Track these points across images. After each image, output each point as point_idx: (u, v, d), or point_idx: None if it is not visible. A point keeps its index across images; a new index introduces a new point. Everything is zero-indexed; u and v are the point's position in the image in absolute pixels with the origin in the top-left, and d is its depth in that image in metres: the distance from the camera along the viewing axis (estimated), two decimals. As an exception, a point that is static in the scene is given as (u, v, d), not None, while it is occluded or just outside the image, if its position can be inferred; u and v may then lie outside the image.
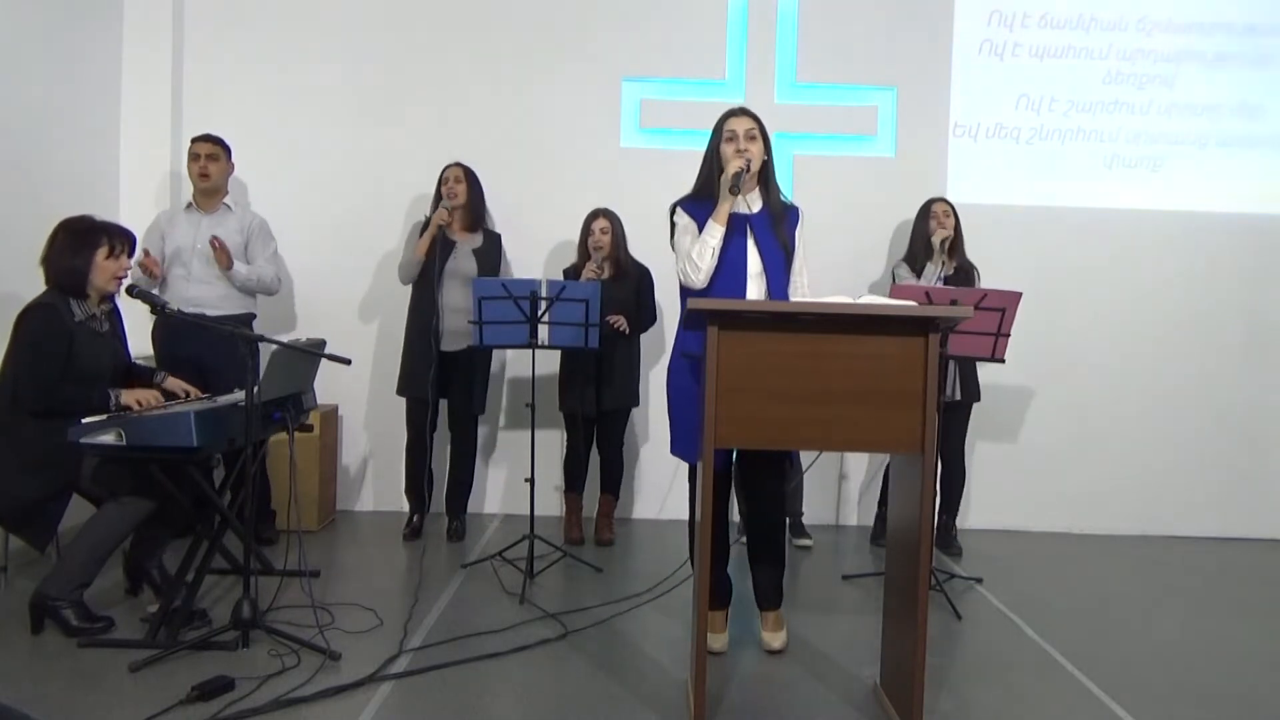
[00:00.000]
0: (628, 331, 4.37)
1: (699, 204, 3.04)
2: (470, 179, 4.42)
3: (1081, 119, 5.06)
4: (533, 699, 2.78)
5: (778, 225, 3.04)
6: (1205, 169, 5.07)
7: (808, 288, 3.15)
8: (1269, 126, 5.07)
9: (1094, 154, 5.07)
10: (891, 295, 3.69)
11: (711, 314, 2.47)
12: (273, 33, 4.93)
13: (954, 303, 3.60)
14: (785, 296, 3.02)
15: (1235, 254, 5.06)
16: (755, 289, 3.01)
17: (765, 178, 3.06)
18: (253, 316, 4.32)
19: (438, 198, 4.39)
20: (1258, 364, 5.08)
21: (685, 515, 4.89)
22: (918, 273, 4.41)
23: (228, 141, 4.30)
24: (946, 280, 4.30)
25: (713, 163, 3.04)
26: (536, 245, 4.94)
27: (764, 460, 3.11)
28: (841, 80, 4.98)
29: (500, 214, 4.70)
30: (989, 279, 4.44)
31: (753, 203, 3.05)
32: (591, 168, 4.96)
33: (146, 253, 4.06)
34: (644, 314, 4.54)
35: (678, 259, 3.05)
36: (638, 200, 4.84)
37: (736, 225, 2.99)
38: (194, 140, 4.26)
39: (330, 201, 4.94)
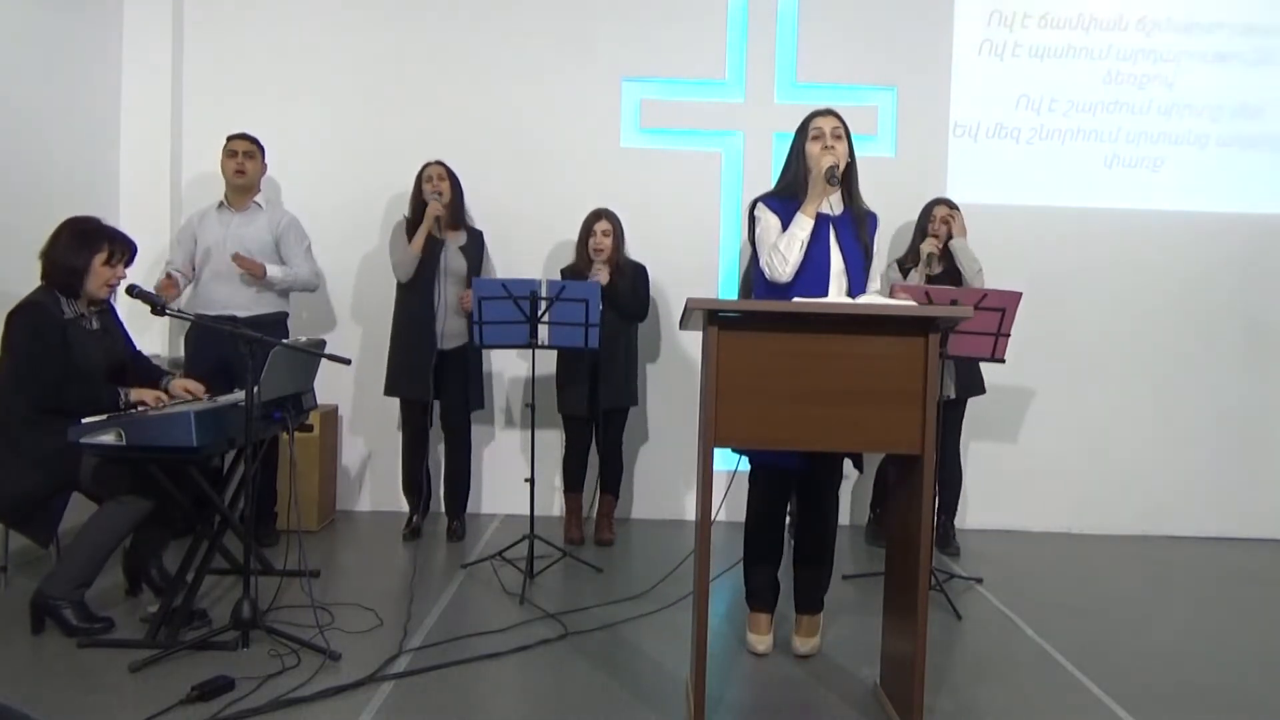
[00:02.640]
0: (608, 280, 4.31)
1: (783, 202, 3.05)
2: (452, 177, 4.42)
3: (1081, 119, 5.06)
4: (533, 699, 2.78)
5: (860, 228, 3.06)
6: (1205, 169, 5.07)
7: (876, 292, 3.13)
8: (1269, 126, 5.07)
9: (1094, 154, 5.07)
10: (892, 295, 3.70)
11: (711, 314, 2.47)
12: (272, 33, 4.94)
13: (954, 303, 3.60)
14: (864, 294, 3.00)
15: (1235, 254, 5.06)
16: (836, 288, 3.01)
17: (848, 181, 3.08)
18: (285, 315, 4.32)
19: (416, 195, 4.38)
20: (1258, 364, 5.09)
21: (685, 515, 4.96)
22: (905, 275, 4.41)
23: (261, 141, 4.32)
24: (934, 280, 4.31)
25: (798, 162, 3.06)
26: (536, 245, 4.94)
27: (822, 464, 3.08)
28: (841, 80, 4.98)
29: (499, 213, 4.70)
30: (989, 279, 4.44)
31: (835, 204, 3.06)
32: (591, 168, 4.96)
33: (169, 276, 4.10)
34: (636, 302, 4.50)
35: (761, 252, 3.04)
36: (638, 200, 4.85)
37: (819, 225, 3.00)
38: (230, 138, 4.27)
39: (331, 202, 4.94)
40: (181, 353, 4.46)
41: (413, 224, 4.33)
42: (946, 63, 5.03)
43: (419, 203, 4.35)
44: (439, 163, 4.43)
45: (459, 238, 4.42)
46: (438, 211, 4.27)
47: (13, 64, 3.99)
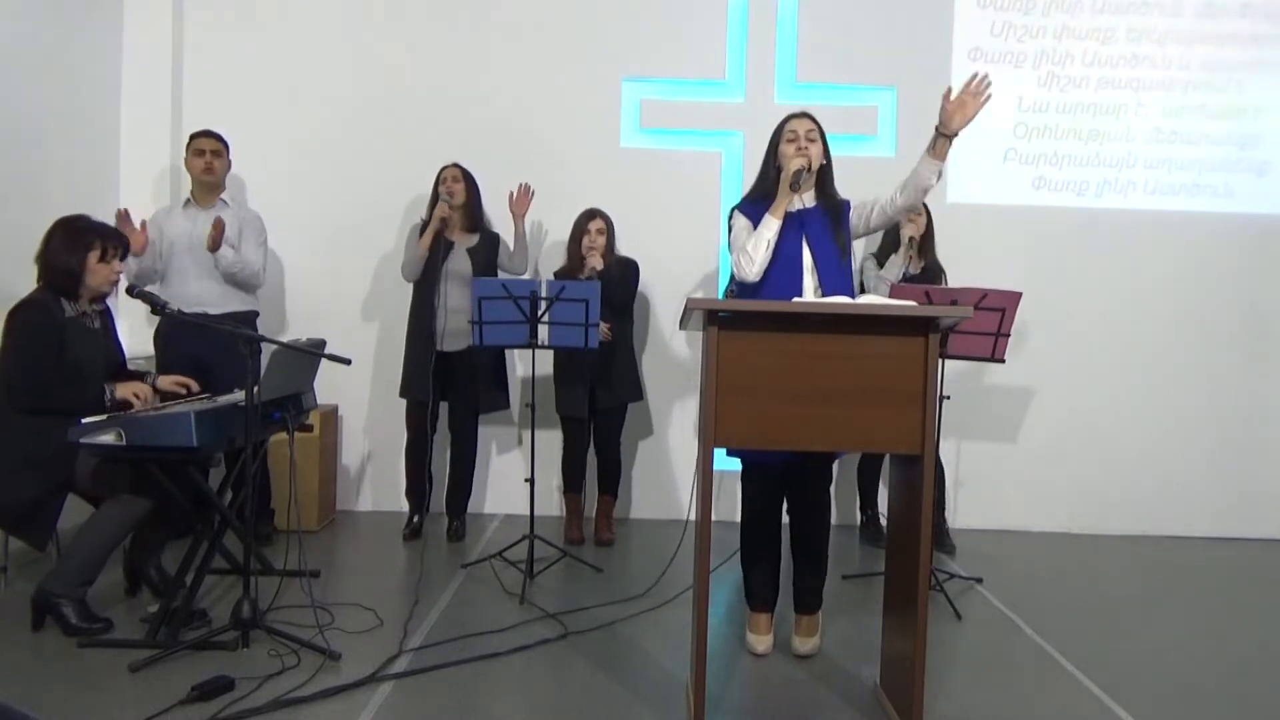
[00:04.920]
0: (610, 338, 4.33)
1: (755, 206, 3.09)
2: (467, 179, 4.43)
3: (1081, 119, 5.06)
4: (533, 699, 2.78)
5: (834, 223, 3.06)
6: (1205, 169, 5.07)
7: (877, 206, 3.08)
8: (1269, 126, 5.07)
9: (1093, 154, 5.06)
10: (891, 295, 3.70)
11: (711, 314, 2.47)
12: (273, 32, 4.94)
13: (954, 303, 3.61)
14: (839, 291, 2.98)
15: (1235, 254, 5.06)
16: (810, 282, 3.02)
17: (823, 180, 3.10)
18: (256, 315, 4.32)
19: (434, 198, 4.40)
20: (1258, 364, 5.08)
21: (685, 515, 4.95)
22: (881, 266, 4.41)
23: (226, 139, 4.31)
24: (912, 278, 4.31)
25: (771, 164, 3.09)
26: (535, 245, 4.94)
27: (811, 462, 3.10)
28: (841, 80, 4.98)
29: (500, 214, 4.69)
30: (989, 280, 4.42)
31: (807, 200, 3.08)
32: (591, 168, 4.96)
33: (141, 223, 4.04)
34: (624, 291, 4.48)
35: (732, 253, 3.08)
36: (638, 200, 4.86)
37: (790, 221, 3.02)
38: (195, 136, 4.26)
39: (329, 201, 4.95)
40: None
41: (428, 225, 4.34)
42: (946, 63, 5.03)
43: (435, 204, 4.36)
44: (455, 165, 4.44)
45: (469, 240, 4.43)
46: (443, 214, 4.28)
47: (13, 64, 3.99)
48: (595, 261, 4.29)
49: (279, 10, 4.95)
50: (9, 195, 3.92)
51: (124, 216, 3.98)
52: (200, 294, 4.13)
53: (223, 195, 4.30)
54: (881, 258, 4.50)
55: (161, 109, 4.82)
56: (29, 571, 3.54)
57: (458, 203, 4.35)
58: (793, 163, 2.98)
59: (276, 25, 4.94)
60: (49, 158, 4.23)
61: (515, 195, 4.48)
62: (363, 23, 4.97)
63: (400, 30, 4.97)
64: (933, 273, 4.47)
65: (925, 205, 4.51)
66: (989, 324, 3.76)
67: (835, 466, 3.30)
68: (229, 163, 4.33)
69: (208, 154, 4.21)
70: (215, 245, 4.06)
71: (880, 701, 2.77)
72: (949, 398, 4.52)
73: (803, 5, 5.00)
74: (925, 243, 4.44)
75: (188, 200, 4.29)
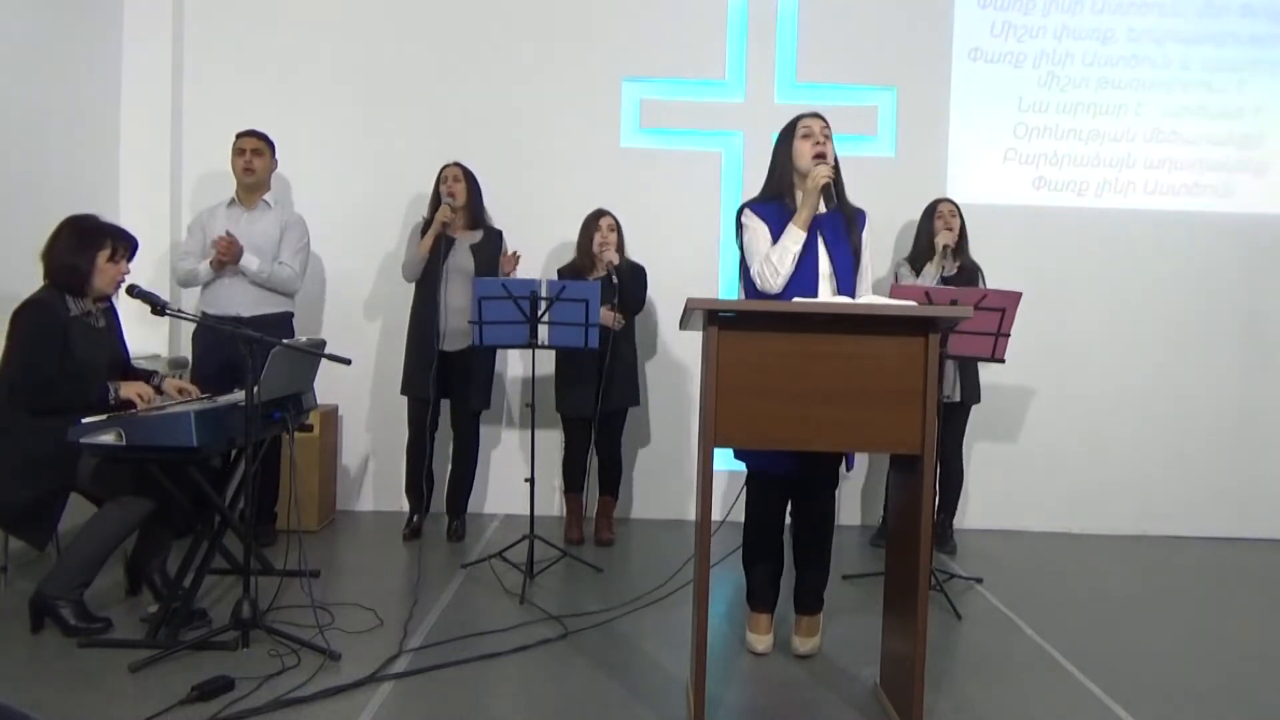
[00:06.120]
0: (619, 326, 4.34)
1: (767, 206, 3.03)
2: (468, 177, 4.43)
3: (1081, 119, 5.06)
4: (533, 699, 2.78)
5: (849, 228, 3.03)
6: (1205, 169, 5.07)
7: (869, 288, 3.09)
8: (1268, 126, 5.07)
9: (1093, 154, 5.07)
10: (892, 295, 3.70)
11: (711, 314, 2.47)
12: (273, 33, 4.94)
13: (954, 303, 3.60)
14: (854, 297, 2.95)
15: (1235, 254, 5.06)
16: (826, 290, 2.97)
17: (835, 182, 3.02)
18: (290, 316, 4.32)
19: (435, 197, 4.40)
20: (1257, 364, 5.09)
21: (685, 515, 4.96)
22: (918, 272, 4.41)
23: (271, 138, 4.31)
24: (948, 280, 4.32)
25: (784, 163, 3.02)
26: (536, 245, 4.94)
27: (818, 471, 3.07)
28: (841, 80, 4.98)
29: (500, 214, 4.69)
30: (989, 279, 4.46)
31: (821, 205, 3.01)
32: (591, 168, 4.96)
33: (229, 233, 4.06)
34: (638, 291, 4.51)
35: (752, 262, 3.01)
36: (638, 200, 4.86)
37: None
38: (239, 135, 4.27)
39: (331, 202, 4.94)
40: (182, 353, 4.46)
41: (429, 225, 4.34)
42: (946, 63, 5.03)
43: (436, 204, 4.36)
44: (456, 164, 4.44)
45: (472, 237, 4.43)
46: (445, 217, 4.27)
47: (13, 64, 3.98)
48: (612, 256, 4.30)
49: (279, 10, 4.95)
50: (9, 195, 3.92)
51: (230, 238, 4.03)
52: (233, 296, 4.14)
53: (266, 196, 4.29)
54: (915, 262, 4.49)
55: (161, 109, 4.82)
56: (29, 571, 3.54)
57: (459, 204, 4.34)
58: (819, 170, 2.89)
59: (276, 25, 4.94)
60: (49, 158, 4.23)
61: (505, 257, 4.40)
62: (363, 23, 4.97)
63: (400, 30, 4.97)
64: (969, 272, 4.45)
65: (957, 206, 4.51)
66: (989, 324, 3.76)
67: (842, 469, 3.26)
68: (274, 162, 4.33)
69: (248, 153, 4.21)
70: (235, 258, 4.05)
71: (880, 701, 2.77)
72: (978, 402, 4.54)
73: (803, 5, 5.00)
74: (960, 243, 4.44)
75: (232, 200, 4.29)
